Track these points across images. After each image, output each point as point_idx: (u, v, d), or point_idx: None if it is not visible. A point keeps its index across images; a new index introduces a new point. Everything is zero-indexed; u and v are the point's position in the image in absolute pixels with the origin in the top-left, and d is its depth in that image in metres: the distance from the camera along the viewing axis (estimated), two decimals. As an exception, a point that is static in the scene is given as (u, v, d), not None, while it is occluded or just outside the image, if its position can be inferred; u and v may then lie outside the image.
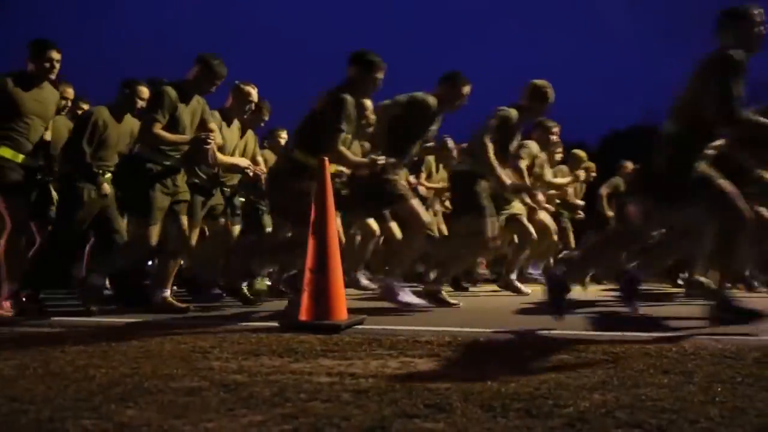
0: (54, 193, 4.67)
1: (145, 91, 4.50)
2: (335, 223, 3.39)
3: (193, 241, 4.67)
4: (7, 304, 3.86)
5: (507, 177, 4.77)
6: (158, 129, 4.02)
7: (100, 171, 4.41)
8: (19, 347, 2.72)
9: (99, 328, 3.30)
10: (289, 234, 4.62)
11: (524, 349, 2.50)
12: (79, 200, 4.35)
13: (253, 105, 4.91)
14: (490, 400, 1.74)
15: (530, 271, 6.58)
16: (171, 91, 4.07)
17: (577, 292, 4.72)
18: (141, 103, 4.48)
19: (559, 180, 6.82)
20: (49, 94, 4.11)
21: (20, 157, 3.95)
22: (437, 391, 1.86)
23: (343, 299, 3.26)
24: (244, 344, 2.71)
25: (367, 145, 5.19)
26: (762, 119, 3.13)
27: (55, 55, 3.98)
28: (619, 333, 2.96)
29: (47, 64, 3.97)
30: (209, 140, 4.09)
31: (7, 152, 3.90)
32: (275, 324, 3.25)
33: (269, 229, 5.55)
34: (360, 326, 3.26)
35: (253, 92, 4.86)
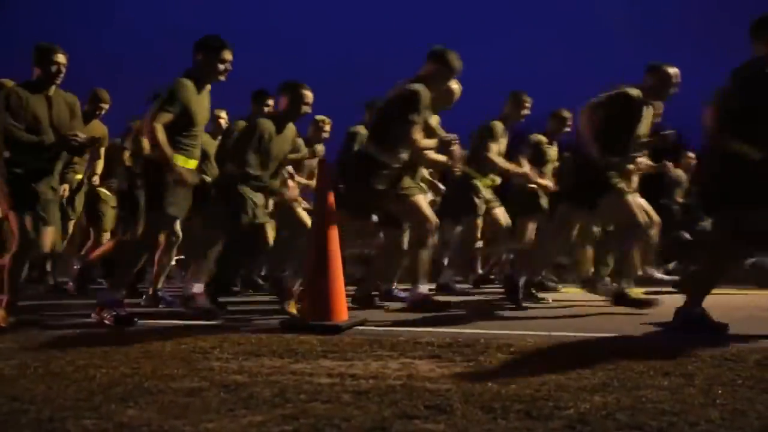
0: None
1: (310, 96, 4.11)
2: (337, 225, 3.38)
3: None
4: (107, 314, 3.43)
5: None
6: (418, 134, 3.80)
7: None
8: (20, 347, 2.73)
9: (99, 328, 3.30)
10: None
11: (524, 351, 2.50)
12: (243, 202, 3.98)
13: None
14: (491, 401, 1.75)
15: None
16: (425, 92, 3.81)
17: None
18: (306, 109, 4.13)
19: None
20: (208, 98, 3.67)
21: (191, 163, 3.56)
22: (438, 392, 1.86)
23: (343, 300, 3.26)
24: (245, 345, 2.71)
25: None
26: None
27: (229, 56, 3.55)
28: (619, 334, 2.96)
29: (222, 66, 3.53)
30: (454, 141, 4.01)
31: (179, 159, 3.46)
32: (276, 324, 3.26)
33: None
34: (360, 327, 3.26)
35: (458, 90, 4.54)
